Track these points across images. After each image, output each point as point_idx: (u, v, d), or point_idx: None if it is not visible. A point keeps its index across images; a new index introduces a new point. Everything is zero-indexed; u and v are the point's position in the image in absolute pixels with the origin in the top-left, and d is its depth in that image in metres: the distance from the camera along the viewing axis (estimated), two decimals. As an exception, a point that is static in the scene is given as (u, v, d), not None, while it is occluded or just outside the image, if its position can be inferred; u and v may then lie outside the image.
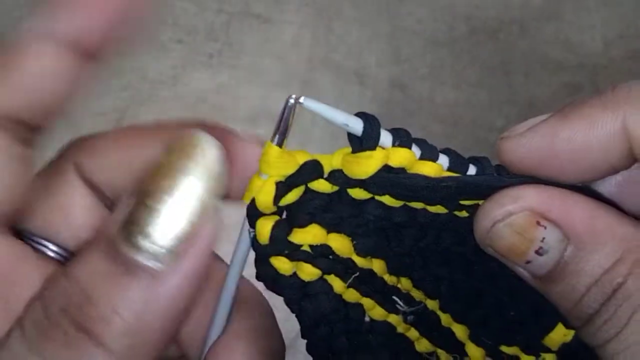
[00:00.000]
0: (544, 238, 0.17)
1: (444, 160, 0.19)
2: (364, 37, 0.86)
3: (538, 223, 0.17)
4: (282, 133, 0.18)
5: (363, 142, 0.19)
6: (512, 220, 0.18)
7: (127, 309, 0.16)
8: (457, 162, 0.19)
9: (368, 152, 0.19)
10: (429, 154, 0.19)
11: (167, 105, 0.79)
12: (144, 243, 0.17)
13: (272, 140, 0.18)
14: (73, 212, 0.21)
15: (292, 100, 0.19)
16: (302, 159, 0.19)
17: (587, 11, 0.89)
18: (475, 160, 0.20)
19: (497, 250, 0.18)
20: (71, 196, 0.21)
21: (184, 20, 0.85)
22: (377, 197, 0.20)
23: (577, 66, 0.85)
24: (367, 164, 0.19)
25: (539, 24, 0.88)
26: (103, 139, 0.23)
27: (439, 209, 0.20)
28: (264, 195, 0.18)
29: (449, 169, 0.19)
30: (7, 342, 0.17)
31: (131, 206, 0.17)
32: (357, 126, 0.19)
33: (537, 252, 0.17)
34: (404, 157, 0.19)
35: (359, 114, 0.19)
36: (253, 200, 0.19)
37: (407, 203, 0.20)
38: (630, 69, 0.85)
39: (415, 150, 0.19)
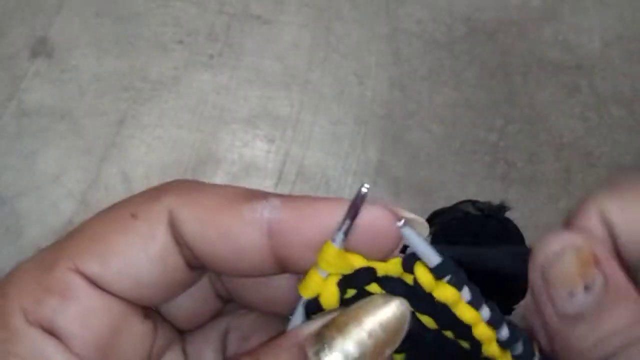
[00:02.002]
0: (594, 278, 0.18)
1: (485, 312, 0.20)
2: (364, 38, 0.86)
3: (596, 262, 0.18)
4: (345, 232, 0.18)
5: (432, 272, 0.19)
6: (580, 252, 0.19)
7: None
8: (497, 319, 0.20)
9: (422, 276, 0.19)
10: (475, 302, 0.19)
11: (168, 106, 0.80)
12: None
13: (333, 240, 0.18)
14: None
15: (364, 189, 0.19)
16: (357, 263, 0.19)
17: (585, 12, 0.90)
18: (510, 325, 0.20)
19: (552, 275, 0.19)
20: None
21: (184, 22, 0.85)
22: (417, 313, 0.20)
23: (576, 67, 0.85)
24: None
25: (538, 25, 0.88)
26: (205, 195, 0.18)
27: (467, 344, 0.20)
28: (330, 296, 0.18)
29: (488, 322, 0.19)
30: None
31: (326, 322, 0.17)
32: (434, 260, 0.19)
33: (585, 288, 0.18)
34: (448, 297, 0.19)
35: (445, 259, 0.19)
36: (316, 298, 0.19)
37: (443, 331, 0.20)
38: (628, 70, 0.85)
39: (465, 294, 0.19)
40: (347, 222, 0.18)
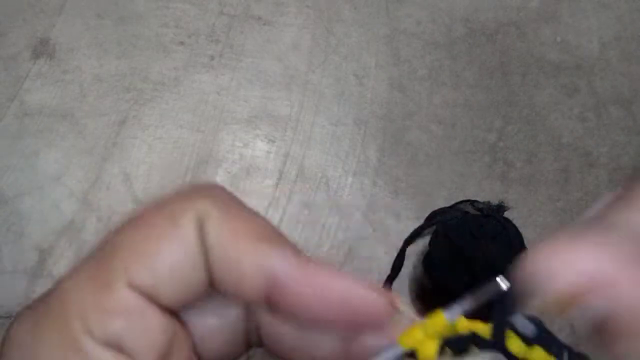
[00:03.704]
0: None
1: None
2: (364, 38, 0.86)
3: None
4: (463, 310, 0.18)
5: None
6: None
7: None
8: None
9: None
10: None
11: (169, 107, 0.80)
12: None
13: (446, 311, 0.18)
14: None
15: (504, 286, 0.18)
16: (462, 328, 0.19)
17: (583, 13, 0.90)
18: None
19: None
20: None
21: (185, 23, 0.86)
22: None
23: (574, 68, 0.86)
24: None
25: (537, 26, 0.89)
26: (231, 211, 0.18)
27: None
28: (428, 350, 0.18)
29: None
30: None
31: None
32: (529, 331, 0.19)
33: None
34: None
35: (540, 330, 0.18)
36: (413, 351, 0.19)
37: None
38: (627, 70, 0.85)
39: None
40: (470, 302, 0.17)
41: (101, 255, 0.16)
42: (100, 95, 0.80)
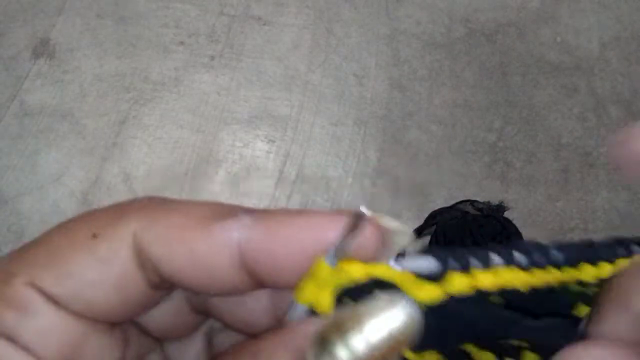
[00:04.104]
0: None
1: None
2: (364, 39, 0.86)
3: None
4: (337, 252, 0.17)
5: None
6: None
7: None
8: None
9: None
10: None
11: (169, 107, 0.80)
12: None
13: (325, 257, 0.17)
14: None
15: (364, 211, 0.17)
16: (356, 272, 0.18)
17: (583, 14, 0.90)
18: None
19: None
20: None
21: (185, 23, 0.86)
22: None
23: (574, 68, 0.86)
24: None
25: (536, 26, 0.89)
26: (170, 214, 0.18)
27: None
28: (325, 303, 0.18)
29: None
30: None
31: (327, 325, 0.16)
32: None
33: None
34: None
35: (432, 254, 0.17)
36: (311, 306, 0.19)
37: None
38: (626, 70, 0.85)
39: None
40: (341, 241, 0.17)
41: (14, 253, 0.17)
42: (100, 95, 0.80)
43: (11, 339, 0.16)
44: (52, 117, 0.78)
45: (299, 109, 0.80)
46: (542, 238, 0.18)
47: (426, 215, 0.73)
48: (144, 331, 0.19)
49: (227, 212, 0.17)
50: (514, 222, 0.68)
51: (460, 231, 0.66)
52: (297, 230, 0.17)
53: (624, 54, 0.87)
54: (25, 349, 0.16)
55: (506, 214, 0.70)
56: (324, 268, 0.17)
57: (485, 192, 0.76)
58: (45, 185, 0.74)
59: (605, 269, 0.18)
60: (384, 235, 0.17)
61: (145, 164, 0.76)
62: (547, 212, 0.76)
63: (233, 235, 0.16)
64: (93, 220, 0.17)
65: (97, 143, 0.77)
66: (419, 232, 0.72)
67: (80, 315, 0.17)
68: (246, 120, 0.80)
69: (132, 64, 0.82)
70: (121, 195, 0.74)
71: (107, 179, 0.75)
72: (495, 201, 0.72)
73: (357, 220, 0.18)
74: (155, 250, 0.16)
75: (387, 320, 0.16)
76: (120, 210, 0.17)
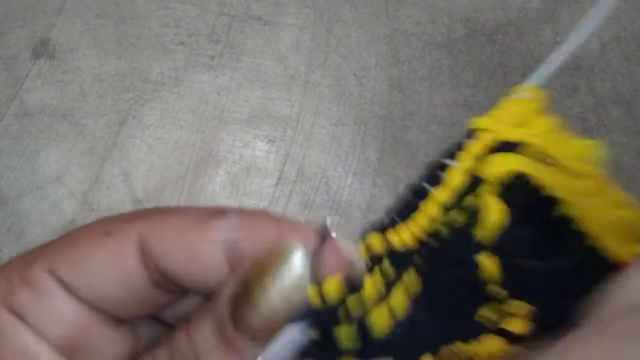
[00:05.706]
0: None
1: None
2: (364, 39, 0.86)
3: None
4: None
5: None
6: None
7: None
8: None
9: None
10: None
11: (169, 107, 0.80)
12: (244, 324, 0.16)
13: None
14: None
15: (329, 222, 0.18)
16: None
17: (583, 14, 0.90)
18: None
19: None
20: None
21: (185, 23, 0.86)
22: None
23: (574, 68, 0.86)
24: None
25: (536, 26, 0.89)
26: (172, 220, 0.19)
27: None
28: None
29: None
30: None
31: (234, 287, 0.17)
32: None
33: None
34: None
35: None
36: None
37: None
38: (626, 70, 0.85)
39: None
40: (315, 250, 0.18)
41: (39, 246, 0.19)
42: (100, 95, 0.80)
43: (21, 316, 0.17)
44: (52, 117, 0.78)
45: (299, 109, 0.80)
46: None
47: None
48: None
49: (219, 212, 0.19)
50: (514, 222, 0.68)
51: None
52: (269, 232, 0.18)
53: (624, 54, 0.87)
54: (33, 326, 0.17)
55: (506, 214, 0.70)
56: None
57: (485, 192, 0.76)
58: (45, 185, 0.74)
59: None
60: (340, 259, 0.19)
61: (146, 163, 0.76)
62: (547, 212, 0.76)
63: (222, 233, 0.18)
64: (108, 222, 0.19)
65: (97, 143, 0.77)
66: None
67: (89, 304, 0.18)
68: (246, 120, 0.80)
69: (132, 64, 0.82)
70: (121, 195, 0.74)
71: (107, 179, 0.75)
72: (495, 201, 0.72)
73: (323, 235, 0.19)
74: (156, 246, 0.18)
75: (285, 275, 0.17)
76: (132, 215, 0.19)
